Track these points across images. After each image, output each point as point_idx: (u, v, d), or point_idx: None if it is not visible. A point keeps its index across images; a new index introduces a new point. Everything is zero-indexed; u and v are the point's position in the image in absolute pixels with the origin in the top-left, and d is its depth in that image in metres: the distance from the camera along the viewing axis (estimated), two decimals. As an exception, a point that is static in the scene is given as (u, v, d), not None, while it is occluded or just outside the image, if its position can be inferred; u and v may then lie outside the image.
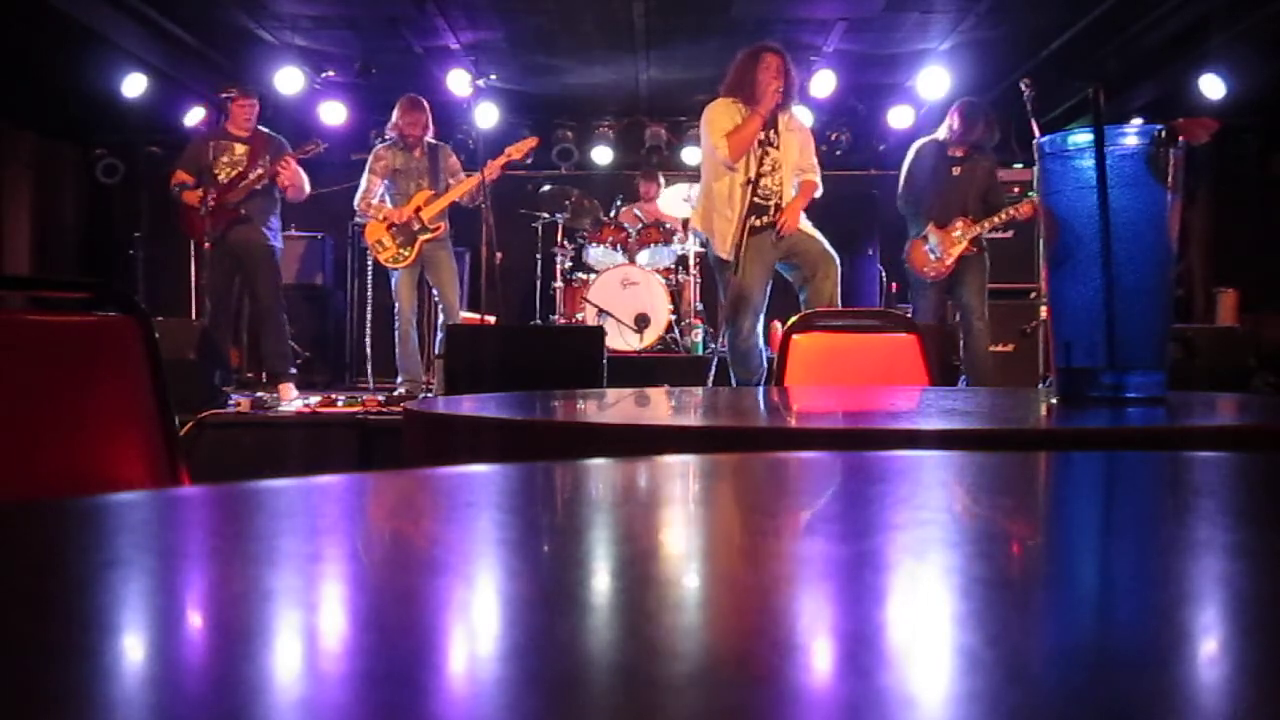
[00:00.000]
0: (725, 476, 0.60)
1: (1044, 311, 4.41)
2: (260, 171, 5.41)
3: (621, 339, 6.16)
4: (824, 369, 2.23)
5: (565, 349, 4.30)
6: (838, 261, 4.33)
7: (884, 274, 7.63)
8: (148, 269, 7.49)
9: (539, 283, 7.14)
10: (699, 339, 6.55)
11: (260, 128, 5.63)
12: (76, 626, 0.28)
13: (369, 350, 6.46)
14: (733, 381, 4.40)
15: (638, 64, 7.34)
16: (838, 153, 8.14)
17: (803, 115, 4.87)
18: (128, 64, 6.55)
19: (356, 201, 5.56)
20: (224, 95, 5.77)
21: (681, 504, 0.53)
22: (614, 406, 1.20)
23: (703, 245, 4.60)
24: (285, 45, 6.89)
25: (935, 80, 6.78)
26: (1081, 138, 1.06)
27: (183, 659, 0.26)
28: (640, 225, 6.80)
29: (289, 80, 6.91)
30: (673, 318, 6.37)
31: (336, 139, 7.87)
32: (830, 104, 7.47)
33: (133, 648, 0.27)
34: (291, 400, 5.16)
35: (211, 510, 0.49)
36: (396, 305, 5.53)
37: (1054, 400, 1.11)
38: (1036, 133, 1.14)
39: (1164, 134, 1.04)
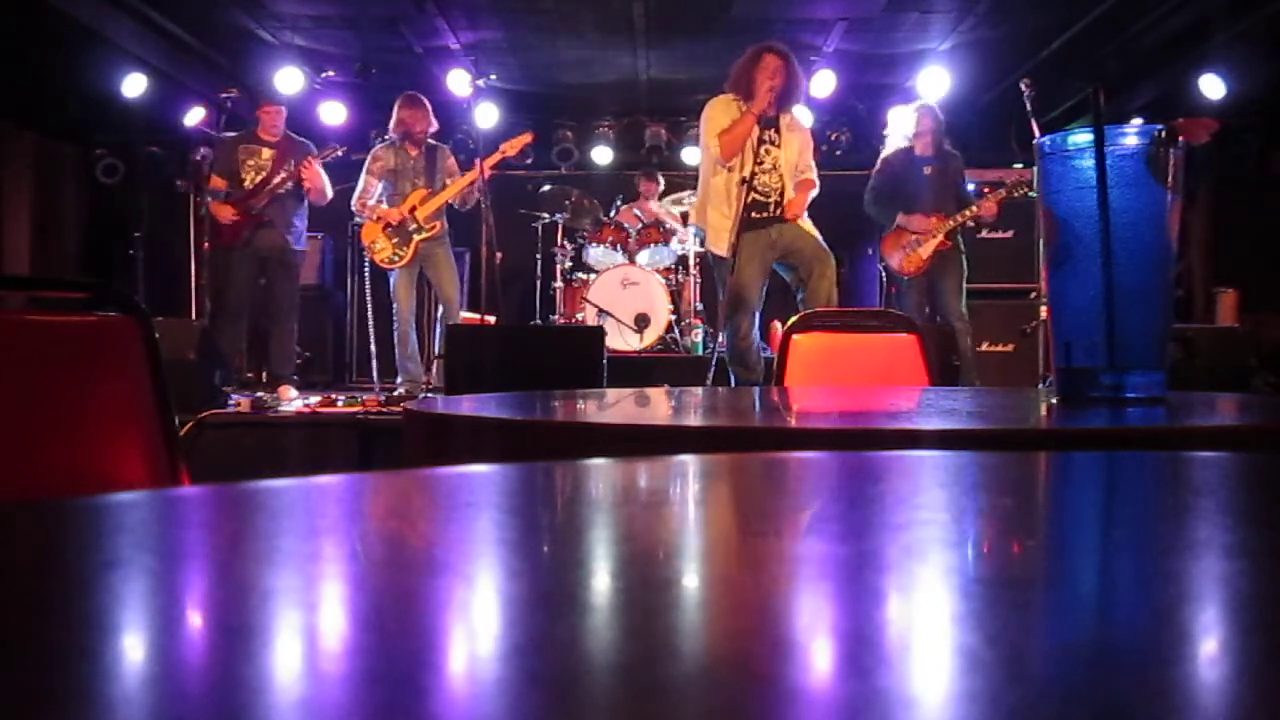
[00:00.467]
0: (725, 476, 0.60)
1: (1044, 311, 4.42)
2: (284, 175, 5.48)
3: (621, 339, 6.16)
4: (824, 369, 2.23)
5: (565, 349, 4.30)
6: (833, 259, 4.34)
7: (884, 274, 7.64)
8: (148, 269, 7.49)
9: (539, 283, 7.14)
10: (699, 339, 6.55)
11: (289, 132, 5.69)
12: (76, 626, 0.28)
13: (372, 349, 6.46)
14: (732, 381, 4.41)
15: (638, 64, 7.34)
16: (838, 153, 8.14)
17: (803, 115, 4.86)
18: (128, 64, 6.55)
19: (353, 202, 5.56)
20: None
21: (681, 504, 0.53)
22: (614, 406, 1.20)
23: (701, 244, 4.61)
24: (285, 45, 6.89)
25: (935, 80, 6.78)
26: (1081, 138, 1.06)
27: (183, 659, 0.26)
28: (640, 225, 6.80)
29: (289, 80, 6.91)
30: (673, 318, 6.37)
31: (336, 139, 7.87)
32: (830, 104, 7.47)
33: (133, 648, 0.27)
34: (291, 400, 5.16)
35: (211, 510, 0.49)
36: (395, 305, 5.53)
37: (1054, 400, 1.11)
38: (1036, 133, 1.14)
39: (1164, 134, 1.04)
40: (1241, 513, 0.49)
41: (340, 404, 4.77)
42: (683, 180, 7.32)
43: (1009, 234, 6.36)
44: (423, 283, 5.64)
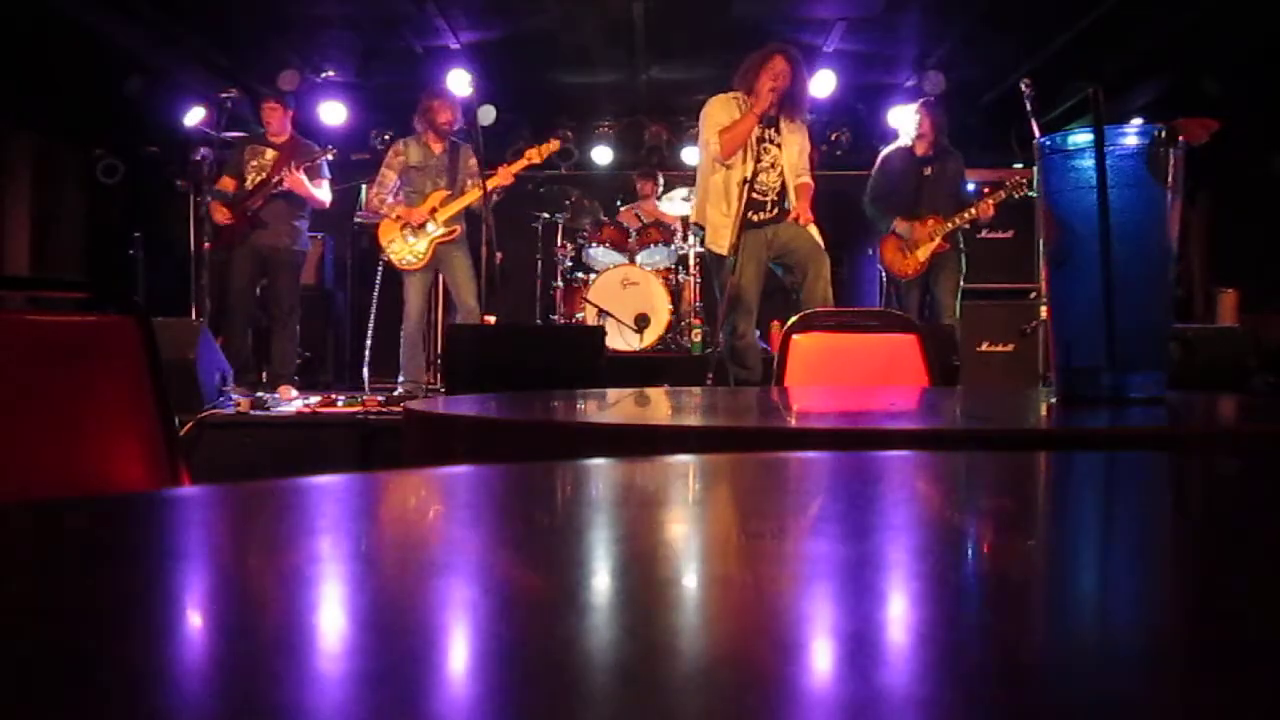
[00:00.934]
0: (725, 476, 0.60)
1: (1044, 311, 4.42)
2: (278, 179, 5.48)
3: (621, 339, 6.16)
4: (824, 369, 2.23)
5: (565, 349, 4.30)
6: (828, 260, 4.35)
7: (884, 274, 7.64)
8: (148, 269, 7.49)
9: (539, 283, 7.14)
10: (699, 339, 6.55)
11: (296, 135, 5.68)
12: (76, 626, 0.28)
13: (366, 352, 6.45)
14: (732, 381, 4.41)
15: (638, 64, 7.34)
16: (838, 153, 8.14)
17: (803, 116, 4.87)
18: (128, 64, 6.55)
19: (371, 196, 5.45)
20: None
21: (681, 504, 0.53)
22: (614, 406, 1.20)
23: (701, 244, 4.61)
24: (285, 45, 6.89)
25: (935, 80, 6.78)
26: (1081, 138, 1.06)
27: (183, 659, 0.26)
28: (640, 225, 6.80)
29: (289, 80, 6.92)
30: (673, 318, 6.37)
31: (336, 139, 7.87)
32: (830, 104, 7.47)
33: (133, 648, 0.27)
34: (291, 400, 5.16)
35: (211, 510, 0.49)
36: (406, 307, 5.43)
37: (1054, 400, 1.11)
38: (1036, 133, 1.14)
39: (1164, 134, 1.04)
40: (1240, 513, 0.49)
41: (340, 404, 4.77)
42: (682, 180, 7.32)
43: (1009, 234, 6.36)
44: (434, 286, 5.61)
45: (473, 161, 5.53)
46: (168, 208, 7.44)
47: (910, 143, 5.28)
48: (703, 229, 4.46)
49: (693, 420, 1.08)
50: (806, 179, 4.41)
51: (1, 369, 1.19)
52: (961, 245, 5.28)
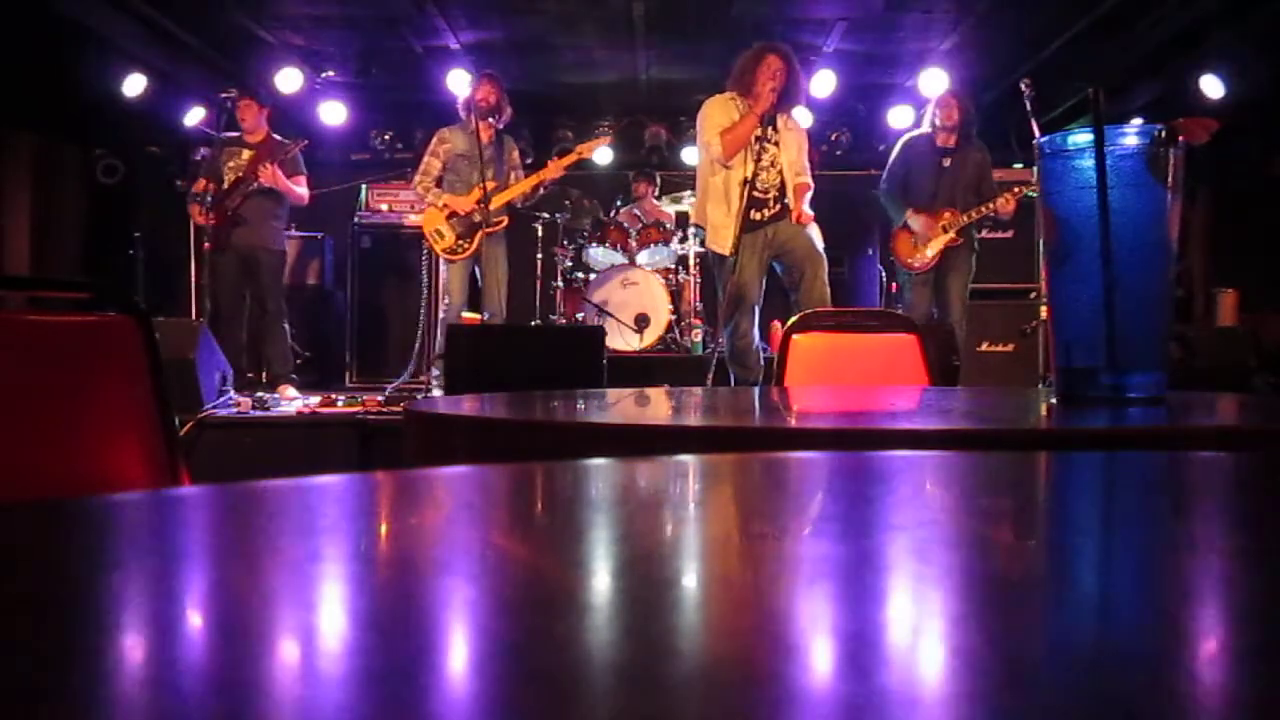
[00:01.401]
0: (725, 476, 0.60)
1: (1044, 311, 4.42)
2: (253, 176, 5.48)
3: (621, 339, 6.16)
4: (824, 369, 2.23)
5: (565, 349, 4.30)
6: (825, 260, 4.35)
7: (884, 274, 7.64)
8: (148, 269, 7.49)
9: (539, 283, 7.15)
10: (699, 339, 6.56)
11: (274, 135, 5.68)
12: (76, 626, 0.28)
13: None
14: (732, 381, 4.41)
15: (638, 64, 7.34)
16: (838, 153, 8.14)
17: (801, 116, 4.87)
18: (128, 64, 6.55)
19: (415, 182, 5.35)
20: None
21: (681, 504, 0.53)
22: (614, 406, 1.20)
23: (701, 244, 4.62)
24: (285, 45, 6.89)
25: (935, 80, 6.78)
26: (1081, 138, 1.06)
27: (183, 659, 0.26)
28: (640, 225, 6.80)
29: (289, 80, 6.91)
30: (673, 318, 6.37)
31: (336, 139, 7.88)
32: (830, 104, 7.47)
33: (133, 648, 0.27)
34: (291, 400, 5.16)
35: (211, 510, 0.49)
36: (446, 299, 5.33)
37: (1054, 400, 1.11)
38: (1036, 133, 1.14)
39: (1164, 134, 1.04)
40: (1241, 513, 0.49)
41: (340, 404, 4.77)
42: (682, 180, 7.32)
43: (1009, 234, 6.36)
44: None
45: (515, 154, 5.47)
46: (168, 208, 7.44)
47: (931, 130, 5.14)
48: (703, 230, 4.46)
49: (693, 420, 1.08)
50: (806, 179, 4.42)
51: (1, 369, 1.19)
52: (975, 244, 5.16)
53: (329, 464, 4.14)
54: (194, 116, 6.85)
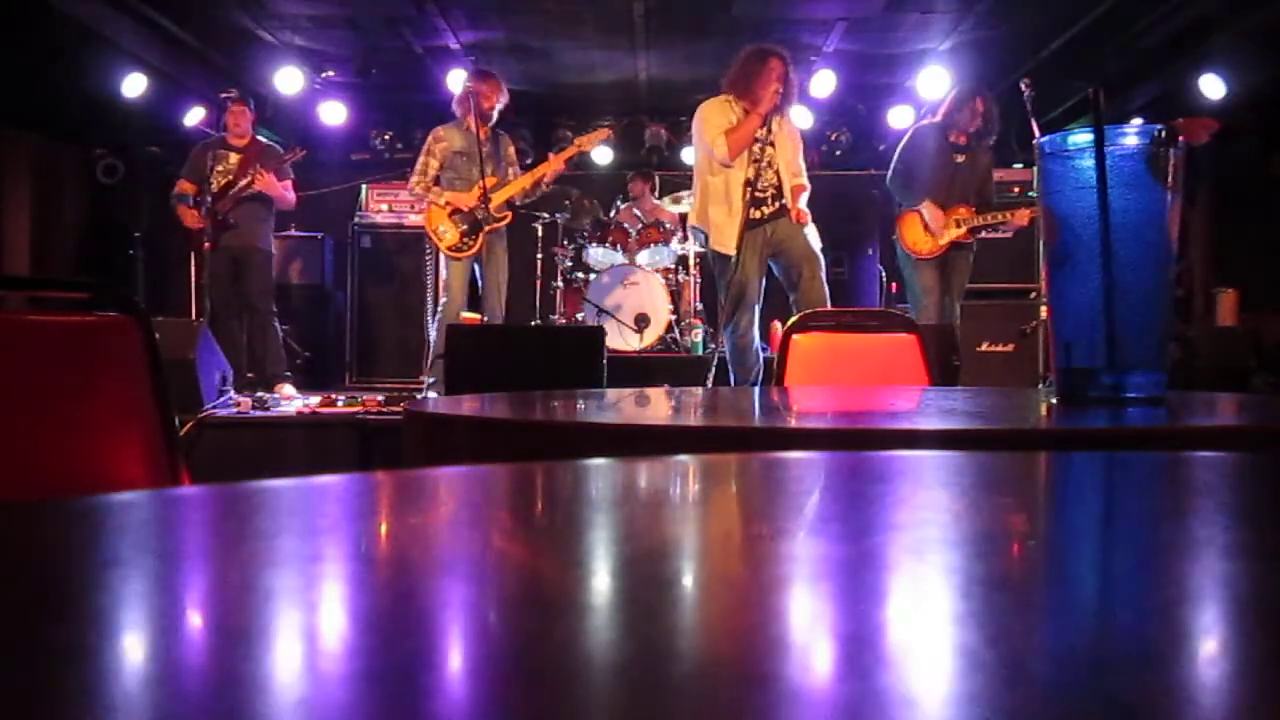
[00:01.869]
0: (725, 476, 0.60)
1: (1044, 311, 4.41)
2: (245, 181, 5.50)
3: (621, 339, 6.16)
4: (824, 369, 2.23)
5: (565, 349, 4.30)
6: (822, 260, 4.36)
7: (884, 274, 7.64)
8: (148, 269, 7.50)
9: (539, 283, 7.15)
10: (699, 339, 6.56)
11: (259, 137, 5.70)
12: (76, 626, 0.28)
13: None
14: (732, 381, 4.42)
15: (638, 63, 7.34)
16: (838, 153, 8.14)
17: (798, 116, 4.90)
18: (128, 64, 6.55)
19: (413, 183, 5.30)
20: (224, 96, 5.82)
21: (681, 504, 0.53)
22: (614, 406, 1.20)
23: (702, 245, 4.62)
24: (285, 45, 6.89)
25: (935, 80, 6.78)
26: (1081, 138, 1.06)
27: (183, 659, 0.26)
28: (640, 225, 6.80)
29: (289, 80, 6.91)
30: (673, 318, 6.37)
31: (336, 139, 7.88)
32: (830, 104, 7.48)
33: (133, 648, 0.27)
34: (291, 400, 5.16)
35: (211, 510, 0.49)
36: (445, 299, 5.29)
37: (1054, 400, 1.11)
38: (1036, 133, 1.14)
39: (1164, 134, 1.04)
40: (1241, 513, 0.49)
41: (340, 404, 4.77)
42: (682, 180, 7.32)
43: (1009, 234, 6.36)
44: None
45: (512, 150, 5.46)
46: (168, 208, 7.44)
47: (940, 119, 5.10)
48: (702, 231, 4.46)
49: (693, 420, 1.08)
50: (802, 180, 4.43)
51: (1, 369, 1.19)
52: (975, 244, 5.14)
53: (329, 464, 4.14)
54: (194, 116, 6.85)
